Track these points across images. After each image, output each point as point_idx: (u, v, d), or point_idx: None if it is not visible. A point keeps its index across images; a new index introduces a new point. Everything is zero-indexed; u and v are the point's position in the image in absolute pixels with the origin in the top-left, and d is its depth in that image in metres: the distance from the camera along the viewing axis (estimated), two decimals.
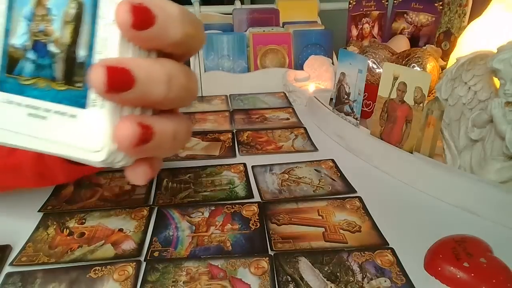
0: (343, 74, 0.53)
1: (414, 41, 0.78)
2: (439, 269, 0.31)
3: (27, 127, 0.18)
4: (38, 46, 0.18)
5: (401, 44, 0.75)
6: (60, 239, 0.35)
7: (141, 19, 0.16)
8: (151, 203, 0.41)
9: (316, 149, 0.53)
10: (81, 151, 0.18)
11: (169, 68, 0.18)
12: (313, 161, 0.50)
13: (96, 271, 0.31)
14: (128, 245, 0.35)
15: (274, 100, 0.72)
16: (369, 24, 0.83)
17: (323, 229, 0.37)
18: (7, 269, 0.32)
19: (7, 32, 0.18)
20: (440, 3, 0.73)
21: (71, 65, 0.17)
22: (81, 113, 0.18)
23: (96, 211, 0.39)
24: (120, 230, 0.37)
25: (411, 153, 0.44)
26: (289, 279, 0.31)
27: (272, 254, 0.33)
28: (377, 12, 0.82)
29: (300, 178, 0.46)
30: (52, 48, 0.18)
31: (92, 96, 0.17)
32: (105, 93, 0.16)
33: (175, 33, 0.18)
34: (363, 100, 0.51)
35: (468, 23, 0.60)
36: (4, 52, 0.18)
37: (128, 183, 0.44)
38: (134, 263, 0.32)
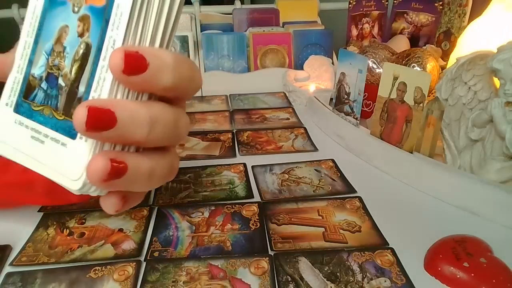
0: (343, 74, 0.53)
1: (414, 41, 0.78)
2: (439, 269, 0.31)
3: (28, 147, 0.21)
4: (51, 78, 0.20)
5: (401, 44, 0.75)
6: (60, 239, 0.35)
7: (132, 66, 0.18)
8: (151, 203, 0.41)
9: (316, 149, 0.53)
10: (64, 177, 0.20)
11: (154, 111, 0.19)
12: (313, 161, 0.50)
13: (96, 271, 0.31)
14: (128, 245, 0.35)
15: (274, 100, 0.72)
16: (369, 24, 0.83)
17: (323, 229, 0.37)
18: (7, 269, 0.32)
19: (30, 63, 0.20)
20: (440, 3, 0.73)
21: (71, 98, 0.19)
22: (70, 143, 0.19)
23: (96, 211, 0.39)
24: (120, 230, 0.37)
25: (411, 153, 0.44)
26: (289, 279, 0.31)
27: (272, 254, 0.33)
28: (377, 12, 0.82)
29: (300, 178, 0.46)
30: (61, 81, 0.20)
31: None
32: (84, 132, 0.18)
33: (166, 79, 0.19)
34: (363, 100, 0.51)
35: (468, 23, 0.60)
36: (25, 79, 0.20)
37: None
38: (134, 263, 0.32)
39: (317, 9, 0.92)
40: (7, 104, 0.21)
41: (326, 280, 0.31)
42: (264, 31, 0.82)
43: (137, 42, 0.19)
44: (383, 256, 0.33)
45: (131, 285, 0.30)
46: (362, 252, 0.33)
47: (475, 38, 0.52)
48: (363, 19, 0.83)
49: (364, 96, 0.53)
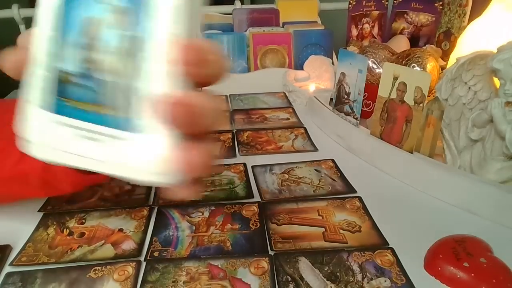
0: (343, 74, 0.53)
1: (414, 41, 0.78)
2: (439, 269, 0.31)
3: (77, 147, 0.19)
4: (89, 73, 0.19)
5: (401, 44, 0.75)
6: (60, 239, 0.35)
7: (193, 57, 0.18)
8: (151, 203, 0.41)
9: (316, 149, 0.53)
10: (138, 172, 0.19)
11: (213, 100, 0.20)
12: (313, 161, 0.50)
13: (96, 271, 0.31)
14: (128, 245, 0.35)
15: (274, 100, 0.72)
16: (369, 24, 0.83)
17: (323, 229, 0.37)
18: (7, 269, 0.32)
19: (58, 58, 0.19)
20: (440, 3, 0.73)
21: (124, 92, 0.18)
22: (133, 136, 0.19)
23: (96, 211, 0.39)
24: (120, 230, 0.37)
25: (411, 153, 0.44)
26: (289, 279, 0.31)
27: (272, 254, 0.33)
28: (377, 12, 0.82)
29: (300, 178, 0.46)
30: (103, 76, 0.18)
31: (146, 122, 0.18)
32: (170, 126, 0.18)
33: (212, 67, 0.20)
34: (363, 100, 0.51)
35: (468, 23, 0.60)
36: (55, 76, 0.19)
37: (128, 183, 0.44)
38: (134, 263, 0.32)
39: (317, 9, 0.92)
40: (37, 105, 0.19)
41: (326, 280, 0.31)
42: (264, 31, 0.82)
43: (188, 32, 0.18)
44: (383, 256, 0.33)
45: (131, 285, 0.30)
46: (362, 252, 0.33)
47: (475, 38, 0.52)
48: (363, 19, 0.83)
49: (364, 96, 0.53)
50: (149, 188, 0.43)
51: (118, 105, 0.19)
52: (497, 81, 0.40)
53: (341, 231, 0.36)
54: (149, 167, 0.19)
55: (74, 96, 0.19)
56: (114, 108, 0.19)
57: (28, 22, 0.89)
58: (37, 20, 0.19)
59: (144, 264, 0.32)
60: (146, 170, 0.19)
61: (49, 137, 0.20)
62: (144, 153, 0.19)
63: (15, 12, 0.84)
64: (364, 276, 0.31)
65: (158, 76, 0.18)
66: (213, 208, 0.40)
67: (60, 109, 0.19)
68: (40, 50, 0.19)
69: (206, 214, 0.39)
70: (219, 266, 0.32)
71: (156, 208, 0.40)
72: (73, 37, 0.18)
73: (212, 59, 0.19)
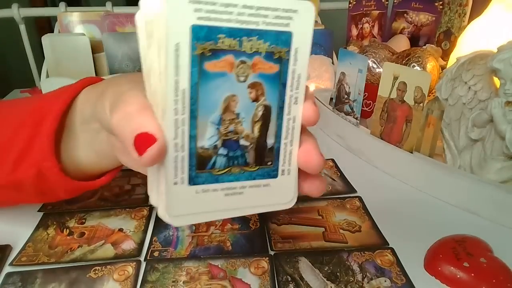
0: (343, 73, 0.53)
1: (414, 40, 0.78)
2: (439, 269, 0.31)
3: (223, 204, 0.22)
4: (229, 143, 0.21)
5: (401, 43, 0.75)
6: (60, 239, 0.35)
7: (318, 113, 0.23)
8: (151, 203, 0.41)
9: None
10: (274, 205, 0.24)
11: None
12: None
13: (96, 271, 0.31)
14: (128, 245, 0.35)
15: None
16: (369, 24, 0.83)
17: (323, 229, 0.37)
18: (7, 269, 0.32)
19: (193, 138, 0.20)
20: (440, 2, 0.73)
21: (261, 151, 0.22)
22: (274, 181, 0.23)
23: (96, 211, 0.39)
24: (120, 230, 0.37)
25: (411, 153, 0.44)
26: (289, 279, 0.31)
27: (272, 254, 0.33)
28: (377, 11, 0.82)
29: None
30: (243, 142, 0.22)
31: (282, 168, 0.23)
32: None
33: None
34: (363, 100, 0.51)
35: (468, 23, 0.60)
36: (192, 154, 0.21)
37: (128, 183, 0.44)
38: (134, 263, 0.32)
39: (317, 9, 0.92)
40: (176, 183, 0.21)
41: (326, 280, 0.31)
42: None
43: (304, 93, 0.22)
44: (383, 256, 0.33)
45: (131, 285, 0.30)
46: (362, 252, 0.33)
47: (475, 38, 0.52)
48: (363, 18, 0.83)
49: (364, 96, 0.53)
50: None
51: (257, 160, 0.22)
52: (497, 81, 0.41)
53: (341, 231, 0.36)
54: (280, 200, 0.24)
55: (215, 166, 0.22)
56: (255, 164, 0.23)
57: (28, 22, 0.90)
58: (163, 104, 0.19)
59: (144, 264, 0.32)
60: (279, 203, 0.24)
61: (192, 205, 0.22)
62: (277, 191, 0.24)
63: (15, 12, 0.84)
64: (364, 276, 0.31)
65: (286, 132, 0.23)
66: None
67: (199, 180, 0.21)
68: (172, 135, 0.20)
69: None
70: (219, 266, 0.32)
71: None
72: (212, 115, 0.20)
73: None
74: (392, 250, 0.34)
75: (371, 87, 0.54)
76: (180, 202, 0.21)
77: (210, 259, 0.33)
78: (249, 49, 0.20)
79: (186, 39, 0.18)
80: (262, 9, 0.19)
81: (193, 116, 0.20)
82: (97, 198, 0.42)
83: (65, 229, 0.37)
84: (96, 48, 0.74)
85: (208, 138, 0.21)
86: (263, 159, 0.23)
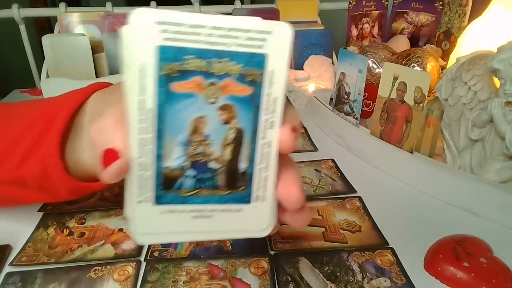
0: (343, 74, 0.53)
1: (414, 41, 0.78)
2: (439, 269, 0.31)
3: (191, 226, 0.22)
4: (198, 164, 0.21)
5: (401, 44, 0.75)
6: (60, 239, 0.35)
7: (296, 137, 0.22)
8: None
9: (316, 149, 0.53)
10: (247, 232, 0.23)
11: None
12: (313, 161, 0.50)
13: (96, 271, 0.31)
14: (128, 245, 0.35)
15: None
16: (369, 24, 0.83)
17: (323, 229, 0.37)
18: (7, 269, 0.32)
19: (159, 157, 0.20)
20: (440, 3, 0.73)
21: (233, 174, 0.21)
22: (246, 207, 0.22)
23: (96, 211, 0.39)
24: (120, 230, 0.37)
25: (411, 153, 0.44)
26: (289, 279, 0.31)
27: (272, 254, 0.33)
28: (377, 12, 0.82)
29: (300, 178, 0.46)
30: (212, 164, 0.21)
31: (256, 194, 0.22)
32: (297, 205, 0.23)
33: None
34: (363, 100, 0.51)
35: (468, 23, 0.60)
36: (159, 173, 0.20)
37: None
38: (134, 263, 0.32)
39: (317, 9, 0.92)
40: (140, 202, 0.21)
41: (326, 280, 0.31)
42: None
43: (282, 112, 0.21)
44: (383, 256, 0.33)
45: (131, 285, 0.30)
46: (362, 252, 0.33)
47: (475, 38, 0.52)
48: (363, 19, 0.83)
49: (364, 96, 0.53)
50: None
51: (229, 184, 0.22)
52: (497, 81, 0.41)
53: (341, 231, 0.36)
54: (254, 227, 0.23)
55: (182, 187, 0.21)
56: (225, 188, 0.22)
57: (28, 22, 0.90)
58: (128, 122, 0.19)
59: (144, 264, 0.32)
60: (252, 230, 0.23)
61: (157, 225, 0.21)
62: (249, 218, 0.22)
63: (15, 12, 0.84)
64: (364, 276, 0.31)
65: (260, 157, 0.22)
66: None
67: (165, 200, 0.21)
68: (137, 153, 0.20)
69: None
70: (219, 266, 0.32)
71: None
72: (179, 135, 0.20)
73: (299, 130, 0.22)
74: (392, 250, 0.34)
75: (371, 87, 0.54)
76: (144, 220, 0.21)
77: (210, 259, 0.33)
78: (219, 71, 0.19)
79: (151, 60, 0.18)
80: (233, 31, 0.19)
81: (160, 136, 0.20)
82: (97, 198, 0.42)
83: (65, 229, 0.37)
84: (96, 48, 0.74)
85: (175, 159, 0.20)
86: (234, 183, 0.22)
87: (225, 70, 0.20)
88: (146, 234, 0.22)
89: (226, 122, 0.21)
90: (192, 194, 0.21)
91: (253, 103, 0.20)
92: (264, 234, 0.23)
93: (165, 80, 0.19)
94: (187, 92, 0.19)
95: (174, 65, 0.19)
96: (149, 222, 0.21)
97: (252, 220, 0.23)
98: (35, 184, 0.31)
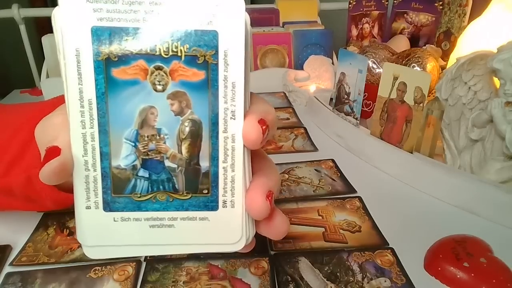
0: (343, 74, 0.53)
1: (414, 41, 0.78)
2: (439, 269, 0.31)
3: (149, 237, 0.19)
4: (151, 163, 0.18)
5: (401, 44, 0.75)
6: (60, 239, 0.35)
7: (264, 131, 0.18)
8: None
9: (316, 149, 0.53)
10: (215, 245, 0.19)
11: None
12: (313, 161, 0.50)
13: (96, 271, 0.31)
14: None
15: (274, 100, 0.72)
16: (369, 24, 0.83)
17: (323, 229, 0.37)
18: (7, 269, 0.32)
19: (105, 155, 0.18)
20: (440, 3, 0.73)
21: (194, 175, 0.18)
22: (213, 214, 0.19)
23: None
24: None
25: (411, 153, 0.44)
26: (289, 279, 0.31)
27: (272, 254, 0.33)
28: (377, 12, 0.82)
29: (300, 178, 0.46)
30: (168, 163, 0.18)
31: (223, 199, 0.19)
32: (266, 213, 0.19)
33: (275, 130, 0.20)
34: (363, 100, 0.51)
35: (468, 23, 0.60)
36: (106, 174, 0.18)
37: None
38: (134, 263, 0.32)
39: (317, 9, 0.92)
40: (89, 207, 0.18)
41: (326, 280, 0.31)
42: (264, 31, 0.82)
43: (246, 107, 0.18)
44: (383, 256, 0.33)
45: (131, 285, 0.30)
46: (362, 252, 0.33)
47: (475, 38, 0.52)
48: (363, 19, 0.83)
49: (364, 96, 0.53)
50: None
51: (190, 187, 0.19)
52: (497, 81, 0.40)
53: (341, 231, 0.36)
54: (224, 240, 0.19)
55: (135, 190, 0.18)
56: (187, 192, 0.19)
57: (28, 22, 0.90)
58: (69, 115, 0.17)
59: (144, 264, 0.32)
60: (227, 242, 0.19)
61: (109, 236, 0.19)
62: (218, 228, 0.19)
63: (15, 12, 0.84)
64: (364, 276, 0.31)
65: (224, 154, 0.18)
66: None
67: (116, 206, 0.18)
68: (80, 151, 0.18)
69: None
70: (219, 266, 0.32)
71: None
72: (126, 130, 0.18)
73: (272, 123, 0.19)
74: (392, 250, 0.34)
75: (371, 87, 0.54)
76: (95, 230, 0.18)
77: (210, 259, 0.33)
78: (164, 53, 0.17)
79: (86, 43, 0.16)
80: (176, 5, 0.17)
81: (104, 130, 0.17)
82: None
83: (65, 229, 0.37)
84: None
85: (124, 157, 0.18)
86: (196, 186, 0.18)
87: (171, 52, 0.17)
88: (98, 246, 0.19)
89: (179, 113, 0.18)
90: (147, 198, 0.18)
91: (208, 89, 0.18)
92: (237, 248, 0.20)
93: (103, 65, 0.17)
94: (130, 79, 0.17)
95: (111, 48, 0.17)
96: (100, 232, 0.18)
97: (221, 230, 0.19)
98: (21, 193, 0.30)
